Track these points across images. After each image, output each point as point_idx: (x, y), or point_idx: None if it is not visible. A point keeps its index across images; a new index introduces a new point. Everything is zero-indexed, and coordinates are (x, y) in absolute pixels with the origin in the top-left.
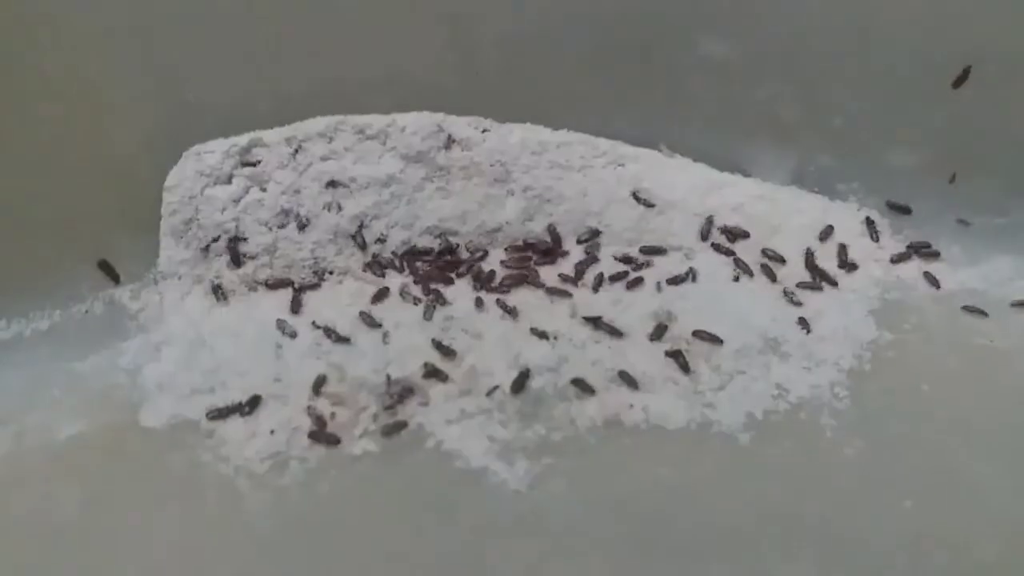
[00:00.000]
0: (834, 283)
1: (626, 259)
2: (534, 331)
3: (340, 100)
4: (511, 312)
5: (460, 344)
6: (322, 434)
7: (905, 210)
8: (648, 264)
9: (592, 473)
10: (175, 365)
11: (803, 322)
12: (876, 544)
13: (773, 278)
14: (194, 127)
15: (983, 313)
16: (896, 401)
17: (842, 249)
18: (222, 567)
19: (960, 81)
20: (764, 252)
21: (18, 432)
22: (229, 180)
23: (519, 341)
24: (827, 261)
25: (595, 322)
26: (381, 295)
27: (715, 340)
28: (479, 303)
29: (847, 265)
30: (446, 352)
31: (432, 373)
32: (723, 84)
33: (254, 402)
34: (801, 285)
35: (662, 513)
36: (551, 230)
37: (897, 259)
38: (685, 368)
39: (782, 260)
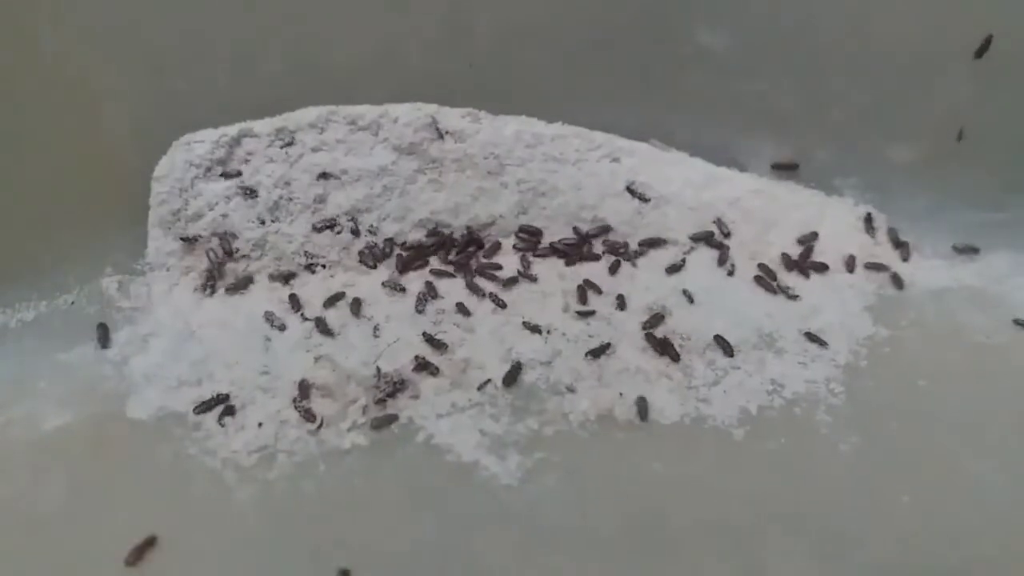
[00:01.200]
0: (824, 268)
1: (616, 250)
2: (526, 325)
3: (332, 90)
4: (502, 304)
5: (451, 337)
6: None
7: (792, 167)
8: (642, 254)
9: (584, 468)
10: (163, 357)
11: (816, 338)
12: (872, 540)
13: (773, 277)
14: (184, 117)
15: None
16: (892, 397)
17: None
18: (209, 560)
19: (982, 51)
20: (802, 257)
21: (3, 423)
22: (219, 176)
23: (511, 335)
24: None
25: (589, 315)
26: (335, 299)
27: (727, 350)
28: (468, 296)
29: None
30: (437, 345)
31: (423, 366)
32: (720, 77)
33: (230, 410)
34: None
35: (655, 508)
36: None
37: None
38: (675, 358)
39: (825, 268)
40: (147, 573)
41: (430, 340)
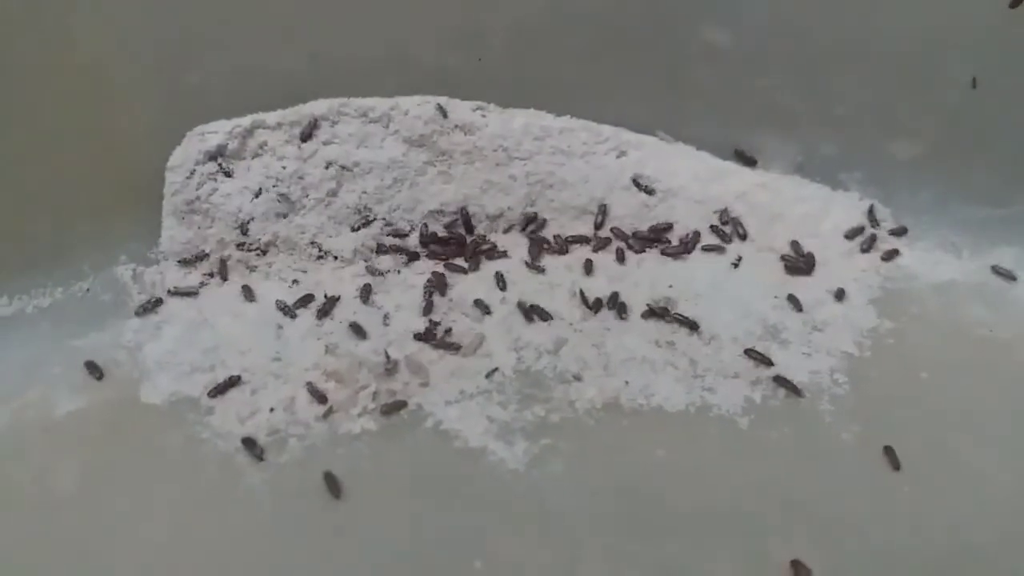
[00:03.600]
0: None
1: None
2: (535, 311)
3: (343, 83)
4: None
5: (460, 326)
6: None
7: (751, 161)
8: (651, 244)
9: (590, 454)
10: (175, 343)
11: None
12: (872, 527)
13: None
14: (197, 109)
15: (1012, 277)
16: (895, 388)
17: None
18: (220, 542)
19: (1016, 1)
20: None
21: (18, 407)
22: (231, 174)
23: (519, 324)
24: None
25: (596, 306)
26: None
27: (767, 362)
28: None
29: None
30: (446, 334)
31: (427, 337)
32: (726, 72)
33: (252, 443)
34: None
35: (659, 494)
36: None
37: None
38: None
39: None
40: (159, 555)
41: (437, 329)
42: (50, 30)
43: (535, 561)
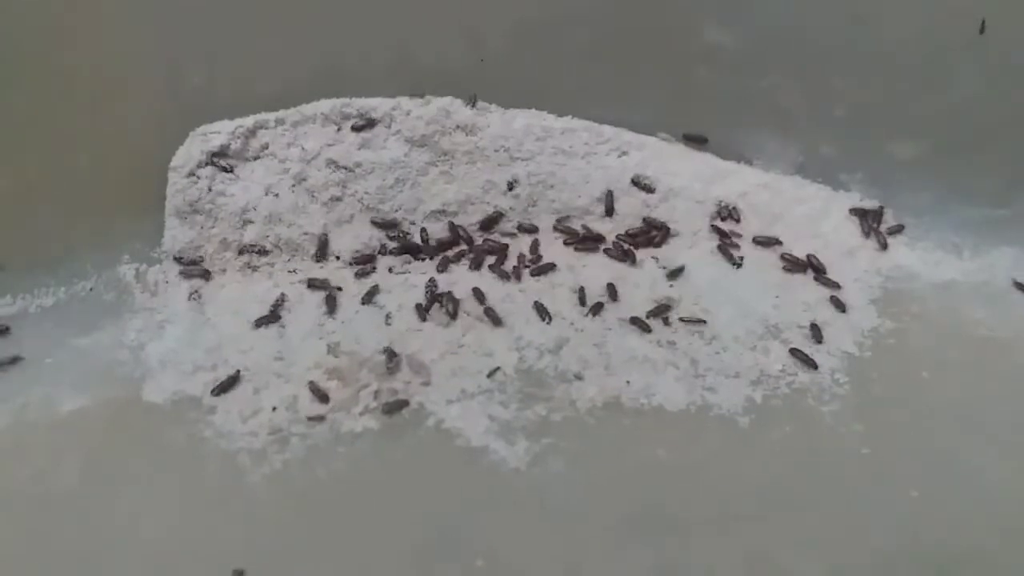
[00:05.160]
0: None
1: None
2: (536, 308)
3: (345, 83)
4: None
5: (461, 325)
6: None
7: (701, 140)
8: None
9: (591, 453)
10: (178, 342)
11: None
12: (874, 529)
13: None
14: (200, 109)
15: None
16: (896, 388)
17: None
18: (221, 541)
19: None
20: (810, 258)
21: (21, 406)
22: (232, 170)
23: (520, 322)
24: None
25: (598, 308)
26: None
27: (812, 364)
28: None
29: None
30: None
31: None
32: (727, 73)
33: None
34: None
35: (660, 493)
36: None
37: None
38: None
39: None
40: (160, 554)
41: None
42: (53, 30)
43: (536, 559)
